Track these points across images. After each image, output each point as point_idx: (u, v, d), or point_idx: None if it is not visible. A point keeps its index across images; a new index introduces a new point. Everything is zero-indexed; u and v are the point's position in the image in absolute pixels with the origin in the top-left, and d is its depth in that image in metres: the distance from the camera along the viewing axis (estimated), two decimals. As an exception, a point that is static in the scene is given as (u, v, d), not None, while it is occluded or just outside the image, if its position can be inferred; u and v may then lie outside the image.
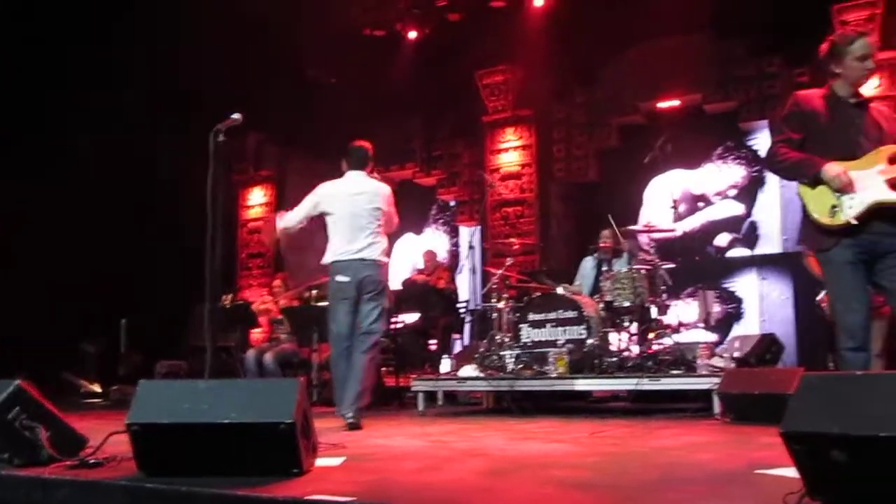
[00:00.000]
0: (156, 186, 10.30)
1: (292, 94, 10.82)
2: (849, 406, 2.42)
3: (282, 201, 11.85)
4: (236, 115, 4.73)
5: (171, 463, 3.20)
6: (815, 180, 3.78)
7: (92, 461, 3.46)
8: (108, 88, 9.56)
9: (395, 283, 9.15)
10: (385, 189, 5.72)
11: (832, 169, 3.71)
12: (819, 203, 3.78)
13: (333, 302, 5.49)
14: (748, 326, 8.82)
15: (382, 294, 5.54)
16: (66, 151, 9.77)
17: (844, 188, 3.69)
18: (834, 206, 3.73)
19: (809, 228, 3.88)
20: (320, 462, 3.47)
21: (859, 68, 3.88)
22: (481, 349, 7.03)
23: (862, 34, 3.98)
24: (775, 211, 9.13)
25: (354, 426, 5.22)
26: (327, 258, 5.53)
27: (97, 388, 9.97)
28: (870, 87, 8.02)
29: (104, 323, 10.14)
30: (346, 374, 5.39)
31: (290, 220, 5.75)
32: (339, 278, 5.44)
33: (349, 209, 5.52)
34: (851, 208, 3.70)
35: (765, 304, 8.86)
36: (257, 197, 12.14)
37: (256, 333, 9.77)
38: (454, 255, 11.09)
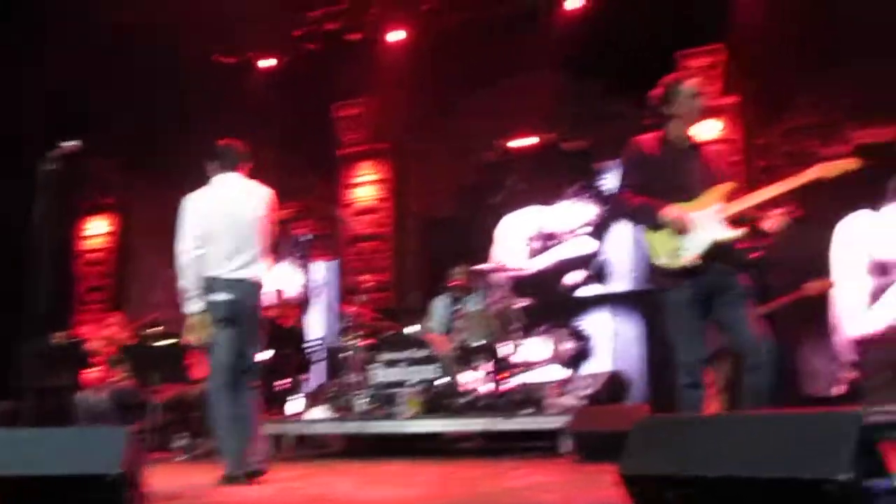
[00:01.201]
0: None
1: (138, 119, 10.51)
2: (681, 447, 2.55)
3: (126, 231, 11.46)
4: (72, 142, 4.56)
5: (-16, 520, 3.03)
6: (656, 223, 3.99)
7: None
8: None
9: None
10: (269, 194, 5.23)
11: (672, 212, 3.93)
12: (662, 246, 4.00)
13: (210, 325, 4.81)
14: (600, 364, 9.11)
15: (261, 321, 5.01)
16: None
17: (684, 230, 3.91)
18: (676, 249, 3.95)
19: (655, 270, 4.09)
20: (152, 514, 3.36)
21: (691, 107, 4.14)
22: (332, 389, 6.99)
23: (690, 75, 4.27)
24: (626, 248, 9.50)
25: (258, 473, 4.67)
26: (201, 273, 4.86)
27: None
28: (712, 131, 8.57)
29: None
30: (233, 415, 4.69)
31: (184, 255, 4.91)
32: (219, 297, 4.79)
33: (229, 218, 4.94)
34: (691, 250, 3.92)
35: (617, 342, 9.19)
36: (99, 226, 11.67)
37: (92, 373, 9.33)
38: (307, 291, 10.96)
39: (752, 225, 4.04)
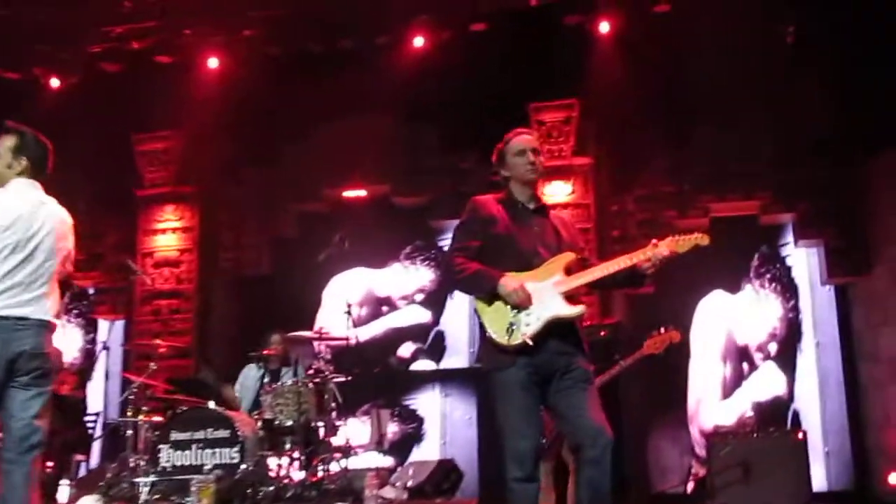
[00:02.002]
0: None
1: None
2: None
3: None
4: None
5: None
6: (491, 295, 3.95)
7: None
8: None
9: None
10: (69, 218, 4.60)
11: (509, 283, 3.90)
12: (496, 320, 3.95)
13: None
14: (429, 449, 9.07)
15: (49, 375, 4.39)
16: None
17: (521, 304, 3.89)
18: (511, 324, 3.91)
19: (488, 346, 4.03)
20: None
21: (521, 164, 4.17)
22: (109, 474, 6.61)
23: (520, 131, 4.31)
24: (464, 320, 9.57)
25: None
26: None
27: None
28: (561, 194, 8.81)
29: None
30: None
31: None
32: None
33: (23, 237, 4.28)
34: (528, 325, 3.89)
35: (447, 424, 9.18)
36: None
37: None
38: (89, 354, 10.35)
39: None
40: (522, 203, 4.19)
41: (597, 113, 9.06)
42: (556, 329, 3.93)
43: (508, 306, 3.93)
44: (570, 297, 3.96)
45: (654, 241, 4.01)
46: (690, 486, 8.47)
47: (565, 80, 8.91)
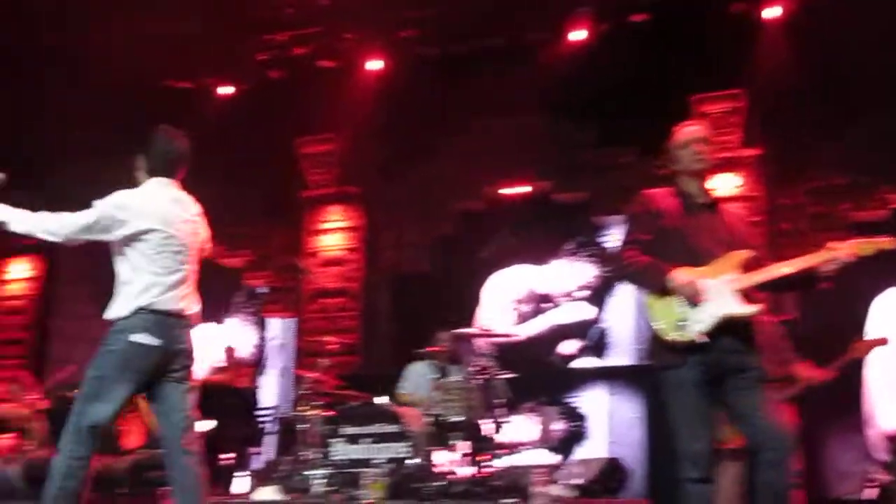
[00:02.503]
0: None
1: (69, 152, 10.44)
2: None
3: (51, 278, 11.30)
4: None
5: None
6: (662, 290, 3.93)
7: None
8: None
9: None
10: (199, 212, 4.71)
11: (681, 277, 3.87)
12: (666, 316, 3.93)
13: (115, 372, 4.21)
14: (593, 448, 9.00)
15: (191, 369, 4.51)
16: None
17: (693, 299, 3.86)
18: (681, 320, 3.88)
19: (657, 343, 4.01)
20: None
21: (688, 155, 4.12)
22: (285, 467, 6.86)
23: (690, 123, 4.26)
24: (629, 317, 9.46)
25: None
26: (126, 303, 4.29)
27: None
28: (730, 187, 8.62)
29: None
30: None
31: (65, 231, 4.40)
32: (144, 339, 4.25)
33: (176, 236, 4.44)
34: (700, 323, 3.86)
35: (613, 424, 9.09)
36: (19, 270, 11.52)
37: (2, 440, 9.12)
38: (260, 351, 10.82)
39: None
40: (693, 197, 4.15)
41: (764, 103, 8.81)
42: (729, 327, 3.88)
43: (678, 302, 3.90)
44: (745, 296, 3.90)
45: (829, 243, 3.91)
46: (870, 492, 8.12)
47: (730, 70, 8.71)
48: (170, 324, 4.34)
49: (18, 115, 9.28)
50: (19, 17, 8.72)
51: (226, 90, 10.41)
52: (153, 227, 4.38)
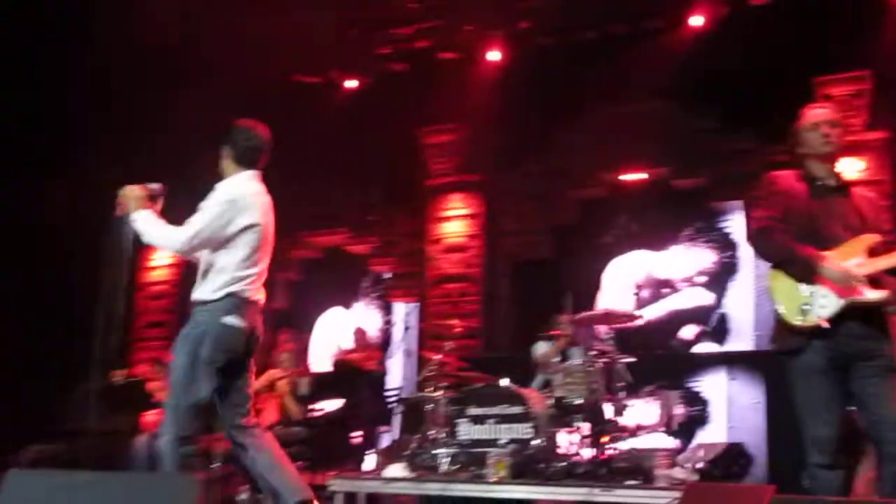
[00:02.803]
0: (43, 234, 10.14)
1: (209, 144, 10.79)
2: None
3: (192, 263, 11.67)
4: (157, 185, 4.66)
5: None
6: (811, 274, 3.80)
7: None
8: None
9: (320, 364, 9.11)
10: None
11: (834, 263, 3.76)
12: (789, 300, 3.84)
13: (207, 352, 4.36)
14: (713, 433, 8.89)
15: None
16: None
17: (846, 286, 3.73)
18: (804, 304, 3.79)
19: (780, 327, 3.93)
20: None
21: (815, 138, 4.00)
22: (412, 445, 6.97)
23: (815, 106, 4.14)
24: (748, 302, 9.30)
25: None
26: (219, 287, 4.45)
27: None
28: (854, 171, 8.35)
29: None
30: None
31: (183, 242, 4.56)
32: (234, 321, 4.42)
33: (265, 230, 4.64)
34: (824, 308, 3.76)
35: (733, 409, 8.95)
36: (162, 257, 11.95)
37: (152, 415, 9.51)
38: (386, 334, 11.03)
39: None
40: (821, 180, 4.05)
41: (890, 85, 8.49)
42: (856, 313, 3.78)
43: (802, 286, 3.82)
44: (874, 281, 3.80)
45: None
46: None
47: (854, 52, 8.42)
48: (252, 310, 4.51)
49: (159, 112, 9.61)
50: (156, 15, 9.02)
51: (351, 84, 10.58)
52: (255, 221, 4.55)
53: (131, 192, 4.52)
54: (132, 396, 8.68)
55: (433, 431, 6.91)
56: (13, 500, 3.14)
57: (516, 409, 6.56)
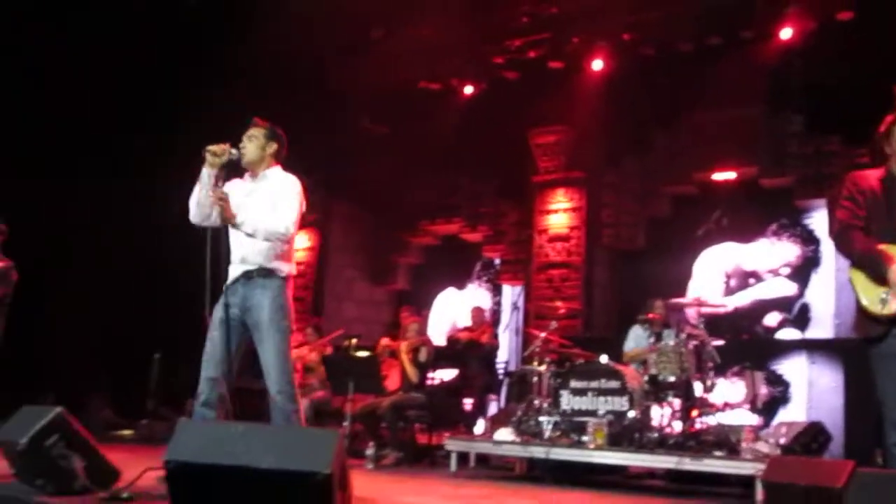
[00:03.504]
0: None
1: (342, 142, 11.00)
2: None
3: (325, 247, 11.95)
4: (235, 151, 4.52)
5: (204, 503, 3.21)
6: (880, 276, 3.68)
7: (125, 495, 3.50)
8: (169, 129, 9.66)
9: (436, 338, 9.20)
10: None
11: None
12: (869, 291, 3.72)
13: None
14: (794, 412, 8.65)
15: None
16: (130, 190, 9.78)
17: None
18: (883, 295, 3.67)
19: (861, 315, 3.80)
20: (353, 517, 3.46)
21: None
22: (518, 413, 6.98)
23: None
24: (829, 293, 9.01)
25: None
26: (289, 267, 4.67)
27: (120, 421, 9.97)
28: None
29: (131, 356, 10.15)
30: None
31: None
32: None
33: None
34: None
35: (813, 391, 8.69)
36: (301, 241, 12.22)
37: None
38: (495, 313, 11.09)
39: None
40: (902, 179, 3.87)
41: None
42: None
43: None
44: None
45: None
46: None
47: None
48: None
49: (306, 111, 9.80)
50: (297, 27, 9.20)
51: (468, 90, 10.61)
52: None
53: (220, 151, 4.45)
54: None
55: (538, 401, 6.92)
56: (183, 442, 3.25)
57: (614, 384, 6.50)
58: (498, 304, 11.19)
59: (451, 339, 9.25)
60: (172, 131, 8.97)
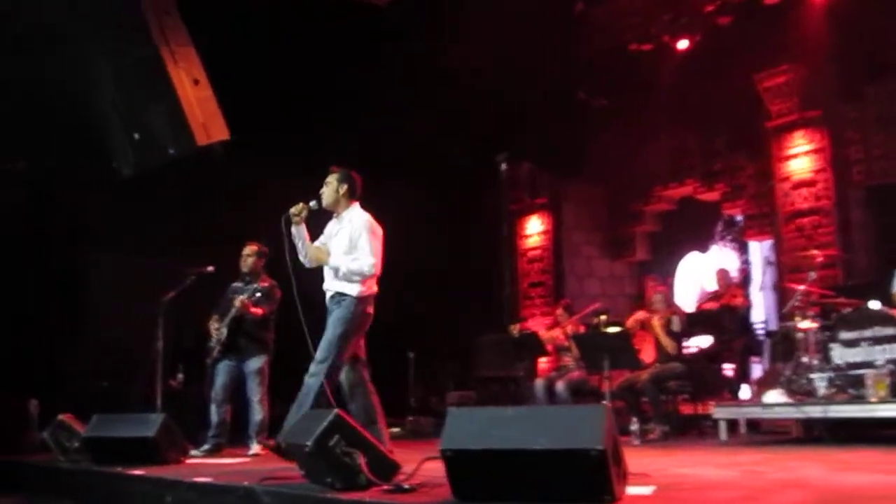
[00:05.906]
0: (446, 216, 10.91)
1: (563, 120, 10.99)
2: None
3: (559, 229, 12.03)
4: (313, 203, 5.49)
5: (482, 489, 3.37)
6: None
7: (407, 486, 3.73)
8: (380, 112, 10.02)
9: (684, 305, 9.03)
10: None
11: None
12: None
13: (358, 333, 5.48)
14: None
15: None
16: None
17: None
18: None
19: None
20: (630, 490, 3.49)
21: None
22: (787, 373, 6.67)
23: None
24: None
25: None
26: (370, 286, 5.48)
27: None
28: None
29: (392, 355, 10.63)
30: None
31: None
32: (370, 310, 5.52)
33: None
34: None
35: None
36: (534, 226, 12.37)
37: (543, 362, 9.93)
38: (744, 272, 10.66)
39: None
40: None
41: None
42: None
43: None
44: None
45: None
46: None
47: None
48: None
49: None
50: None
51: (683, 44, 10.27)
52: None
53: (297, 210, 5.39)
54: (527, 346, 9.07)
55: (806, 358, 6.59)
56: (456, 431, 3.43)
57: (890, 330, 6.07)
58: (746, 262, 10.73)
59: (703, 304, 9.02)
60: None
